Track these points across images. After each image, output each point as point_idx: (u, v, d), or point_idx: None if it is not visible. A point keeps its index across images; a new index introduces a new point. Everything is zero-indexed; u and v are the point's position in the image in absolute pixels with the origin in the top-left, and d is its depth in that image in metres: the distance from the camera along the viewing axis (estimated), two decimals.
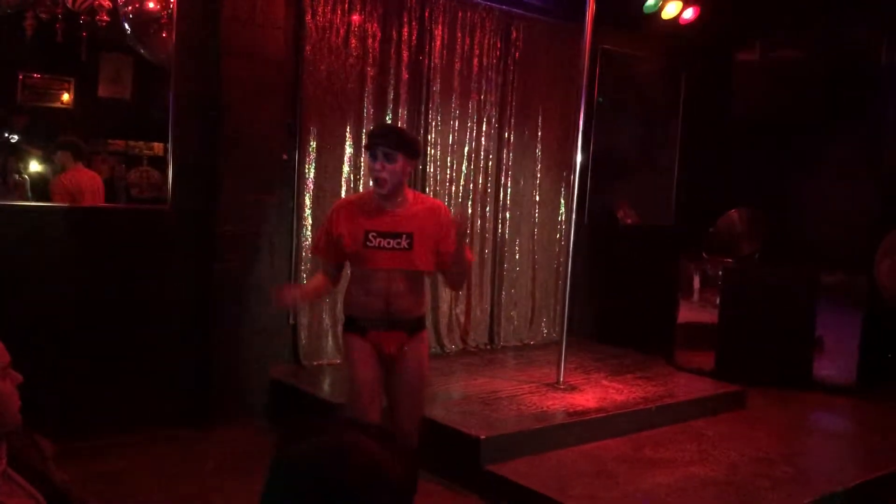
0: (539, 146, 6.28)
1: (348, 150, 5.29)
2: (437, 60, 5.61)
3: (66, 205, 4.42)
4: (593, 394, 4.93)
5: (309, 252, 5.13)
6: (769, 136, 6.65)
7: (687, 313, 6.14)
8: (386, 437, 1.08)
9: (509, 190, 6.13)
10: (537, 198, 6.32)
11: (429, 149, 5.63)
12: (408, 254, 3.21)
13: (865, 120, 6.30)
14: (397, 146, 3.18)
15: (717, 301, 5.97)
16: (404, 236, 3.21)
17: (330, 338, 5.30)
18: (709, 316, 6.02)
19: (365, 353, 3.25)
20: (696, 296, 6.13)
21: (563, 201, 6.40)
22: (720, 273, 6.01)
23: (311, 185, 5.14)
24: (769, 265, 6.21)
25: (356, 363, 3.26)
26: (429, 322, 5.81)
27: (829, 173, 6.39)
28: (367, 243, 3.20)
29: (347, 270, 3.44)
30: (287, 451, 1.01)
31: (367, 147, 3.28)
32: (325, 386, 4.97)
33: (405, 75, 5.47)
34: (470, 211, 5.91)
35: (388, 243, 3.19)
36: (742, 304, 5.92)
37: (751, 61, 6.74)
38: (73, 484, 1.76)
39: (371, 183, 3.29)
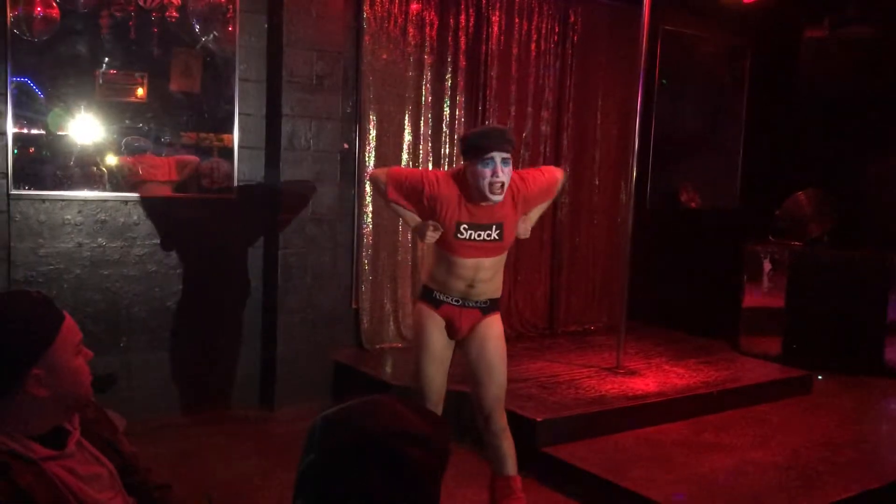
0: (598, 130, 6.25)
1: (407, 138, 5.37)
2: (494, 46, 5.64)
3: (139, 195, 4.64)
4: (653, 378, 4.92)
5: (370, 238, 5.25)
6: (838, 116, 6.44)
7: (752, 297, 6.04)
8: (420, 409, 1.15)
9: (568, 174, 6.12)
10: (597, 182, 6.30)
11: None
12: (497, 245, 3.16)
13: None
14: (512, 148, 3.08)
15: (784, 285, 5.85)
16: (494, 227, 3.12)
17: (391, 322, 5.42)
18: (775, 300, 5.91)
19: (435, 324, 3.23)
20: (762, 280, 6.01)
21: (623, 185, 6.35)
22: (787, 256, 5.88)
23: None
24: (838, 248, 6.04)
25: (426, 330, 3.24)
26: None
27: None
28: (458, 235, 3.10)
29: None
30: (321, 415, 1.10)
31: (478, 154, 3.00)
32: (387, 368, 5.09)
33: (463, 62, 5.52)
34: None
35: (479, 235, 3.11)
36: (810, 288, 5.79)
37: (819, 38, 6.53)
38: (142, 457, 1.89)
39: (484, 189, 3.00)
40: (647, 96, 6.12)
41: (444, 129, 5.52)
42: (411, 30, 5.30)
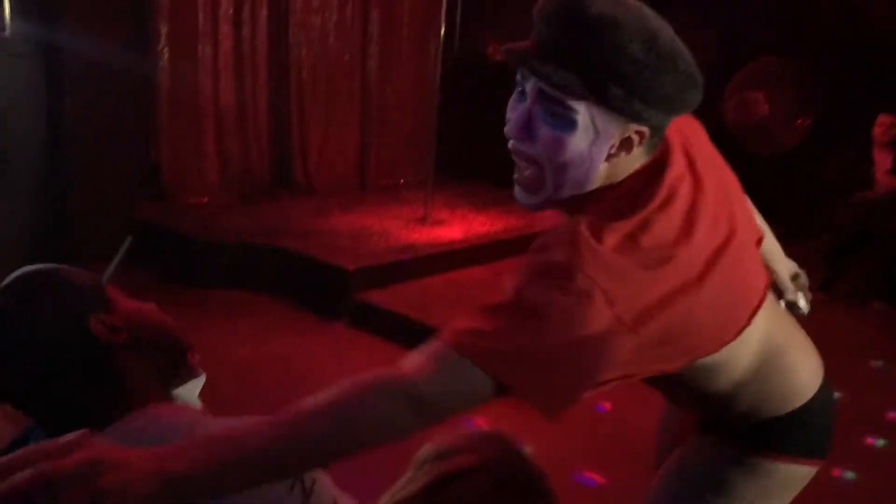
0: None
1: None
2: None
3: None
4: (459, 227, 5.15)
5: (166, 85, 4.90)
6: None
7: None
8: None
9: (377, 22, 5.98)
10: (405, 32, 6.20)
11: None
12: None
13: None
14: (568, 62, 1.06)
15: None
16: None
17: (194, 175, 5.20)
18: None
19: None
20: None
21: (432, 37, 6.23)
22: None
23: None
24: None
25: None
26: (299, 162, 5.79)
27: None
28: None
29: None
30: None
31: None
32: (191, 223, 4.92)
33: None
34: (337, 44, 5.76)
35: None
36: None
37: None
38: None
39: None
40: None
41: None
42: None
